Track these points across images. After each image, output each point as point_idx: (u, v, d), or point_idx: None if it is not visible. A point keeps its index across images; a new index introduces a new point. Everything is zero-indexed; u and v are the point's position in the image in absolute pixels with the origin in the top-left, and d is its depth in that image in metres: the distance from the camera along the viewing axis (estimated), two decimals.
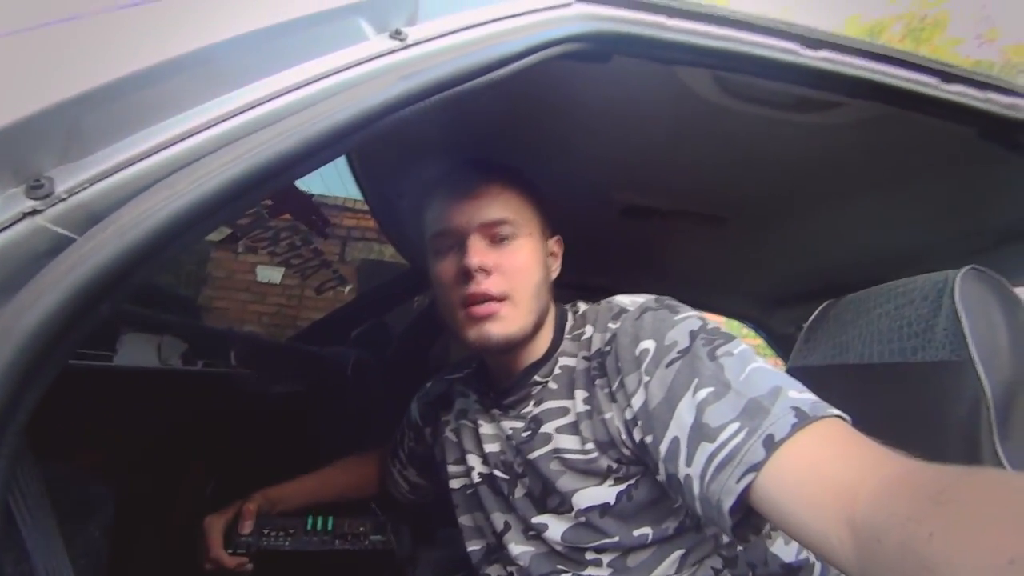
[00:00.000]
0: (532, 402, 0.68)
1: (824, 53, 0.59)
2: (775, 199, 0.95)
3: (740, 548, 0.66)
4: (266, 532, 0.82)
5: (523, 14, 0.48)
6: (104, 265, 0.27)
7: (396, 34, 0.37)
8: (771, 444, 0.43)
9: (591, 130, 0.80)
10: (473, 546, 0.76)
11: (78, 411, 0.59)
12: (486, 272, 0.62)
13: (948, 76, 0.61)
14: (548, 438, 0.65)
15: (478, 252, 0.63)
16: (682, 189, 1.00)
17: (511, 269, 0.64)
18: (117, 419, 0.69)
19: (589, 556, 0.64)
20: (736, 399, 0.48)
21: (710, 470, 0.46)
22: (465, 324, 0.64)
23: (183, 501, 0.94)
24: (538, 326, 0.67)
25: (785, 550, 0.70)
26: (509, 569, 0.71)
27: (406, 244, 1.37)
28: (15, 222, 0.25)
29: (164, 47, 0.30)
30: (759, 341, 1.85)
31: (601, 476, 0.61)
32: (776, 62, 0.58)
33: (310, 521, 0.87)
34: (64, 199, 0.27)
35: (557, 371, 0.67)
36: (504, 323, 0.63)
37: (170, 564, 0.85)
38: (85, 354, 0.48)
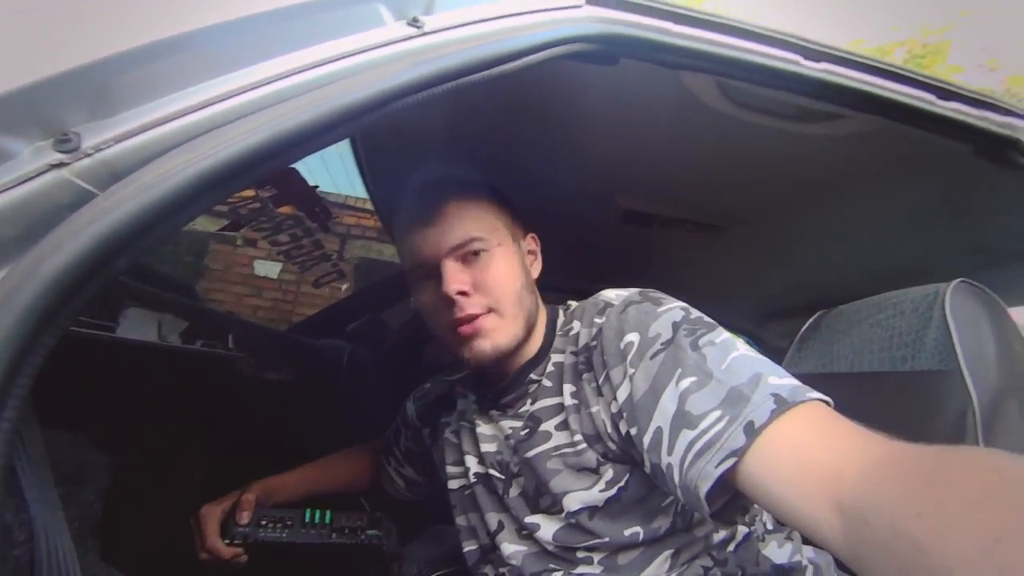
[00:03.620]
0: (528, 400, 0.69)
1: (825, 65, 0.61)
2: (770, 209, 0.97)
3: (731, 549, 0.66)
4: (263, 523, 0.82)
5: (535, 12, 0.50)
6: (123, 220, 0.28)
7: (414, 21, 0.39)
8: (751, 431, 0.44)
9: (597, 132, 0.82)
10: (469, 546, 0.76)
11: (77, 382, 0.59)
12: (465, 294, 0.63)
13: (945, 93, 0.63)
14: (547, 436, 0.65)
15: (453, 277, 0.63)
16: (681, 195, 1.02)
17: (490, 283, 0.64)
18: (113, 393, 0.69)
19: (580, 555, 0.64)
20: (718, 388, 0.48)
21: (689, 456, 0.46)
22: (457, 345, 0.64)
23: (173, 486, 0.94)
24: (529, 329, 0.68)
25: (777, 552, 0.70)
26: (501, 570, 0.71)
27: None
28: (41, 173, 0.26)
29: (194, 17, 0.31)
30: None
31: (591, 474, 0.62)
32: (778, 71, 0.59)
33: (308, 514, 0.86)
34: (89, 155, 0.27)
35: (550, 368, 0.68)
36: (493, 336, 0.64)
37: (157, 554, 0.85)
38: (88, 323, 0.49)
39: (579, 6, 0.54)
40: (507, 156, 0.87)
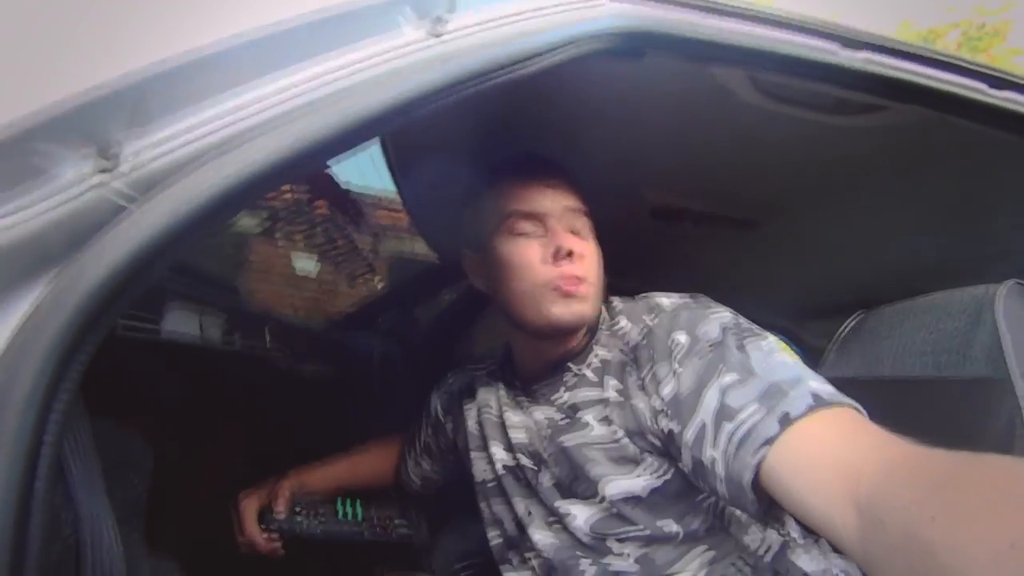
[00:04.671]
0: (563, 389, 0.69)
1: (865, 54, 0.58)
2: (809, 204, 0.93)
3: (767, 558, 0.65)
4: (298, 512, 0.84)
5: (558, 8, 0.49)
6: (159, 230, 0.29)
7: (436, 22, 0.39)
8: (786, 421, 0.44)
9: (624, 127, 0.81)
10: (494, 536, 0.77)
11: (125, 376, 0.63)
12: (579, 255, 0.65)
13: (997, 81, 0.59)
14: (585, 425, 0.65)
15: (570, 236, 0.66)
16: (714, 190, 0.99)
17: (589, 258, 0.67)
18: (158, 387, 0.73)
19: (614, 546, 0.64)
20: (758, 383, 0.49)
21: (731, 449, 0.47)
22: (552, 300, 0.65)
23: (212, 474, 0.99)
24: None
25: (806, 560, 0.68)
26: (527, 556, 0.71)
27: (437, 236, 1.39)
28: (85, 188, 0.28)
29: (222, 34, 0.33)
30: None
31: (632, 464, 0.62)
32: (813, 63, 0.57)
33: (340, 506, 0.89)
34: (129, 168, 0.29)
35: (595, 363, 0.68)
36: (586, 305, 0.65)
37: (199, 539, 0.89)
38: (134, 316, 0.52)
39: (601, 4, 0.53)
40: (537, 150, 0.87)
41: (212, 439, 0.98)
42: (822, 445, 0.42)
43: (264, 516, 0.82)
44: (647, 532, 0.62)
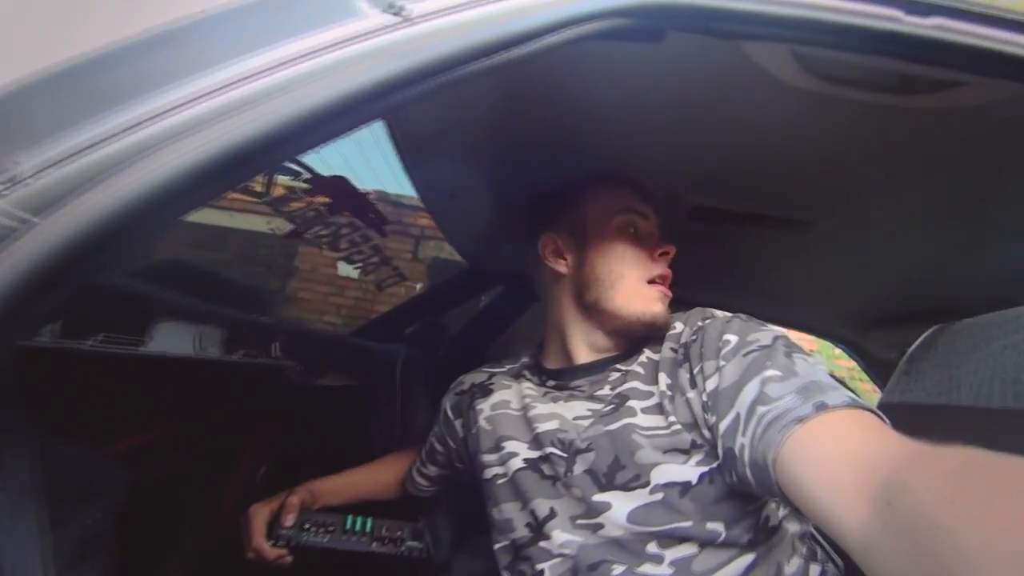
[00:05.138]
0: (608, 386, 0.70)
1: (936, 20, 0.47)
2: (870, 201, 0.81)
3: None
4: (307, 527, 0.84)
5: None
6: (59, 247, 0.26)
7: (392, 7, 0.34)
8: (821, 407, 0.45)
9: (651, 122, 0.73)
10: (501, 542, 0.72)
11: (114, 394, 0.62)
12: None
13: None
14: (633, 413, 0.65)
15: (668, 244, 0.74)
16: (758, 188, 0.89)
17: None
18: (161, 403, 0.72)
19: (650, 549, 0.59)
20: (799, 381, 0.51)
21: (759, 430, 0.48)
22: (645, 296, 0.72)
23: (234, 486, 0.99)
24: None
25: None
26: (540, 567, 0.64)
27: (464, 243, 1.35)
28: None
29: (133, 25, 0.29)
30: (851, 364, 1.64)
31: (685, 453, 0.60)
32: (872, 32, 0.47)
33: (349, 520, 0.87)
34: (28, 183, 0.26)
35: (642, 359, 0.70)
36: (666, 308, 0.72)
37: (219, 547, 0.89)
38: (113, 337, 0.50)
39: None
40: (561, 157, 0.81)
41: (232, 452, 0.99)
42: (846, 439, 0.42)
43: (273, 528, 0.82)
44: (693, 529, 0.58)
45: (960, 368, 0.63)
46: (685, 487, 0.59)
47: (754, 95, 0.63)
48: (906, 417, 0.47)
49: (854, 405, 0.46)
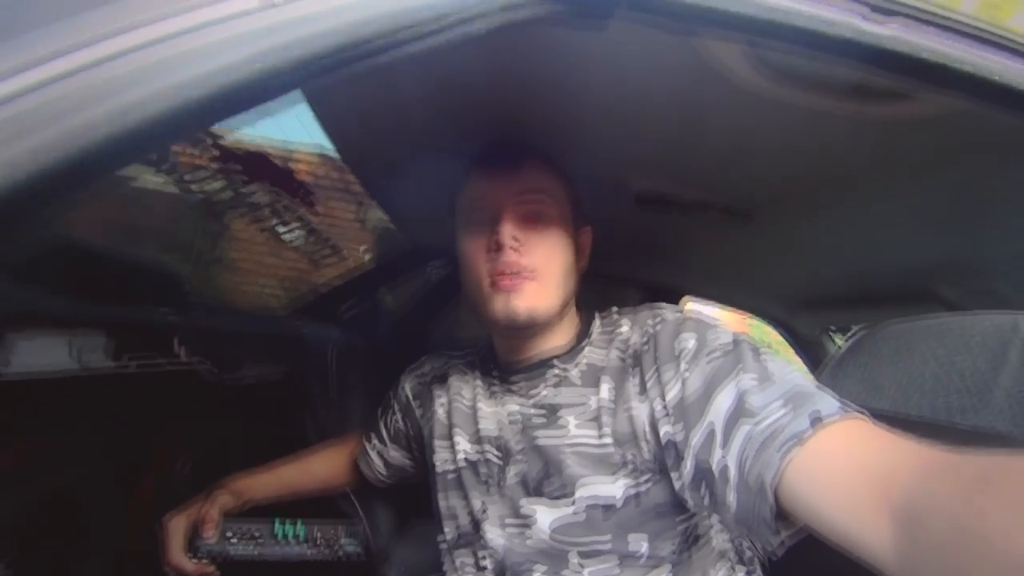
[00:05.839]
0: (544, 387, 0.66)
1: (895, 27, 0.44)
2: (809, 195, 0.81)
3: None
4: (231, 538, 0.78)
5: None
6: None
7: None
8: (817, 420, 0.42)
9: (600, 109, 0.68)
10: (447, 531, 0.72)
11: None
12: (517, 244, 0.62)
13: None
14: (563, 427, 0.62)
15: (511, 224, 0.62)
16: (703, 179, 0.87)
17: (542, 247, 0.64)
18: (36, 420, 0.63)
19: (572, 559, 0.59)
20: (780, 387, 0.47)
21: (751, 450, 0.44)
22: (491, 297, 0.63)
23: (145, 487, 0.90)
24: (562, 313, 0.66)
25: None
26: (481, 555, 0.66)
27: (402, 217, 1.27)
28: None
29: None
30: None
31: (613, 469, 0.58)
32: (825, 37, 0.44)
33: (277, 526, 0.81)
34: None
35: (582, 365, 0.66)
36: (531, 298, 0.62)
37: (133, 557, 0.82)
38: None
39: None
40: (504, 135, 0.75)
41: (143, 454, 0.90)
42: (854, 452, 0.40)
43: (193, 541, 0.75)
44: (613, 546, 0.58)
45: (883, 374, 0.65)
46: (608, 508, 0.58)
47: (700, 90, 0.59)
48: None
49: (847, 413, 0.43)
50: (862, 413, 0.44)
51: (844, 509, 0.37)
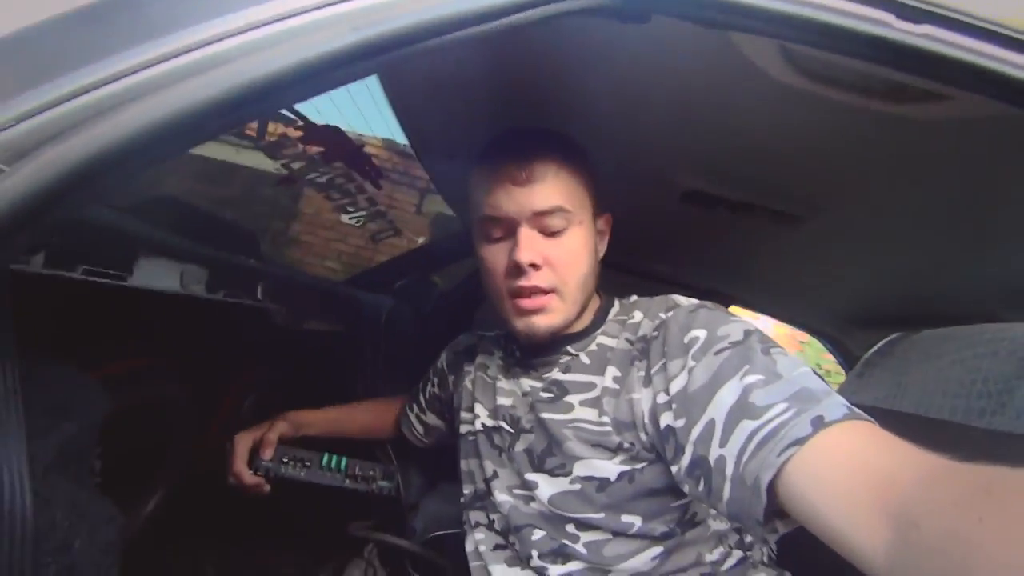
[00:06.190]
0: (558, 368, 0.69)
1: (927, 28, 0.46)
2: (858, 202, 0.81)
3: (722, 568, 0.63)
4: (285, 461, 0.89)
5: None
6: (23, 197, 0.28)
7: None
8: (820, 423, 0.42)
9: (646, 103, 0.72)
10: (466, 491, 0.80)
11: (99, 323, 0.65)
12: (536, 267, 0.62)
13: None
14: (569, 407, 0.65)
15: (529, 246, 0.62)
16: (751, 178, 0.88)
17: (562, 263, 0.64)
18: (147, 333, 0.76)
19: (569, 529, 0.64)
20: (787, 386, 0.47)
21: (750, 447, 0.44)
22: (512, 314, 0.65)
23: (221, 415, 1.04)
24: (581, 312, 0.68)
25: None
26: (492, 516, 0.73)
27: (459, 200, 1.36)
28: None
29: None
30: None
31: (610, 451, 0.61)
32: (858, 35, 0.46)
33: (325, 458, 0.92)
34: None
35: (593, 348, 0.67)
36: (551, 316, 0.64)
37: (204, 471, 0.95)
38: (96, 270, 0.52)
39: None
40: (554, 126, 0.81)
41: (219, 384, 1.03)
42: (855, 453, 0.39)
43: (253, 458, 0.86)
44: (605, 520, 0.61)
45: (909, 376, 0.65)
46: (603, 482, 0.61)
47: (741, 87, 0.62)
48: None
49: (852, 416, 0.43)
50: (870, 420, 0.43)
51: (840, 507, 0.37)
